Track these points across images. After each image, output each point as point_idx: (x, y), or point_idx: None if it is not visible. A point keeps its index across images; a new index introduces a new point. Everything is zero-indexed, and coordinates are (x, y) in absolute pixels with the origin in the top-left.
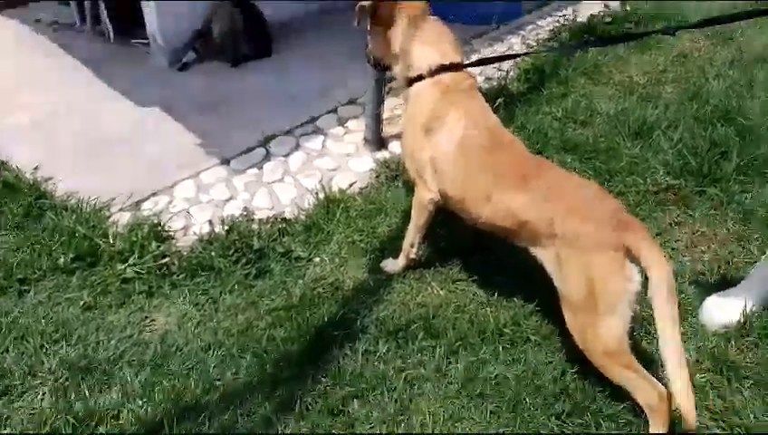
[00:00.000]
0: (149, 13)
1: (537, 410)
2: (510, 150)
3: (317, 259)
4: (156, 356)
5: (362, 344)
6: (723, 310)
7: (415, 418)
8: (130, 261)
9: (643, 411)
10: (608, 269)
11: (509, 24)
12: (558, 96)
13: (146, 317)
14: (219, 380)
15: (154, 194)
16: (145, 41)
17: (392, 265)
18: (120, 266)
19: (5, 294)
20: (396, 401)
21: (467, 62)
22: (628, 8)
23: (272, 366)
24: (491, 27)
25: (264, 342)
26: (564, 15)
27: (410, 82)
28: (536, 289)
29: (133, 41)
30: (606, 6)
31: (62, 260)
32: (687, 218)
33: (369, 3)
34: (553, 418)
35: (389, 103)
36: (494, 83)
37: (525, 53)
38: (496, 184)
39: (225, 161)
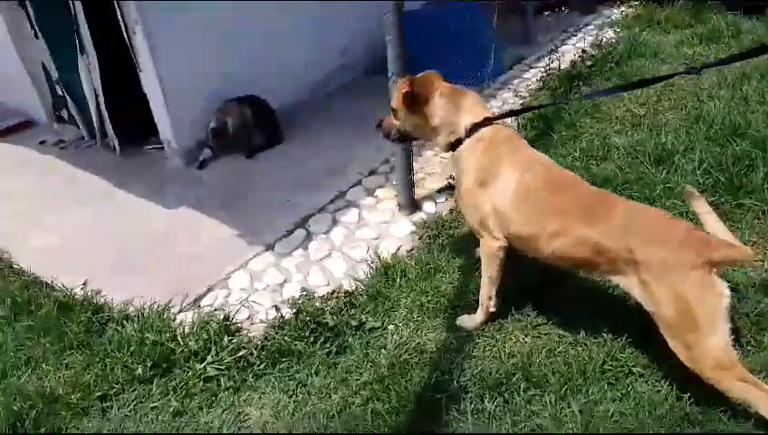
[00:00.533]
0: (163, 120)
1: None
2: (575, 188)
3: (391, 327)
4: None
5: (468, 404)
6: None
7: None
8: (208, 359)
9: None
10: (700, 287)
11: (496, 81)
12: (569, 138)
13: (239, 413)
14: None
15: (210, 289)
16: (158, 146)
17: (469, 320)
18: (199, 366)
19: (88, 415)
20: None
21: (497, 114)
22: (603, 50)
23: None
24: (483, 86)
25: (368, 418)
26: (547, 65)
27: (453, 146)
28: (617, 320)
29: (146, 147)
30: (583, 51)
31: (139, 370)
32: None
33: (407, 87)
34: None
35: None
36: None
37: (551, 104)
38: (567, 219)
39: (270, 247)
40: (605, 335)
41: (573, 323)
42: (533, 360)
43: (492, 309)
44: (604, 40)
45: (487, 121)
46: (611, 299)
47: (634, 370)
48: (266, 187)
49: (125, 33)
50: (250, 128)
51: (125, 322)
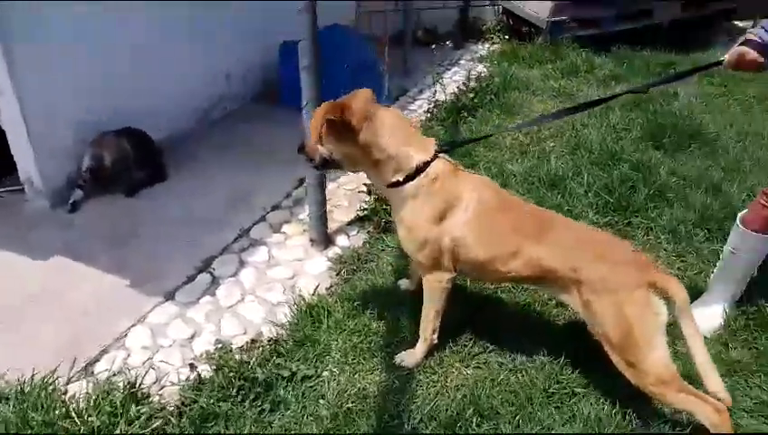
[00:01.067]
0: (23, 157)
1: None
2: (521, 208)
3: (326, 373)
4: None
5: None
6: (705, 319)
7: None
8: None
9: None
10: (641, 306)
11: None
12: (467, 166)
13: None
14: None
15: (104, 352)
16: (16, 187)
17: (410, 357)
18: None
19: None
20: None
21: (440, 147)
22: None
23: None
24: None
25: None
26: (430, 97)
27: (396, 184)
28: (547, 339)
29: (0, 190)
30: (464, 84)
31: None
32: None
33: (334, 114)
34: None
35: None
36: None
37: (518, 127)
38: (521, 239)
39: (170, 295)
40: (542, 358)
41: (508, 348)
42: (480, 392)
43: (435, 342)
44: (479, 74)
45: (436, 155)
46: (536, 320)
47: (576, 390)
48: (154, 227)
49: None
50: (130, 162)
51: (2, 402)
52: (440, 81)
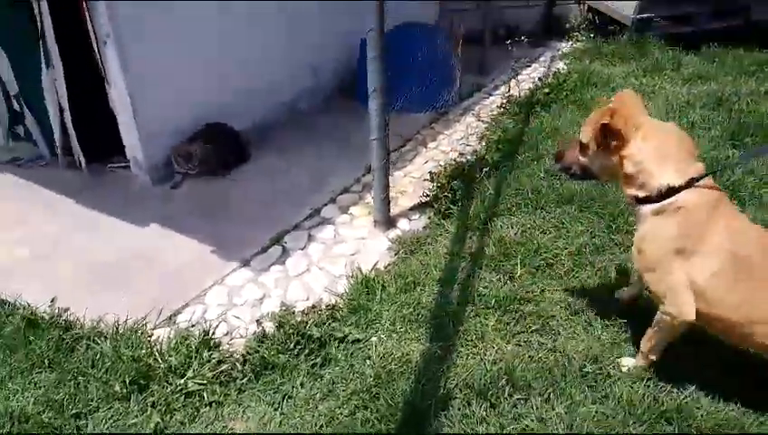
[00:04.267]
0: (131, 137)
1: None
2: None
3: (374, 339)
4: None
5: (456, 410)
6: None
7: None
8: (188, 374)
9: None
10: None
11: (459, 106)
12: (533, 159)
13: (223, 428)
14: None
15: (186, 305)
16: (124, 164)
17: (630, 363)
18: (180, 381)
19: (62, 434)
20: None
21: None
22: (558, 79)
23: None
24: (443, 111)
25: (357, 426)
26: (506, 92)
27: (639, 201)
28: (591, 328)
29: (110, 166)
30: (540, 80)
31: (116, 387)
32: None
33: (606, 118)
34: None
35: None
36: (469, 157)
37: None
38: None
39: (246, 263)
40: (582, 341)
41: (549, 330)
42: (516, 366)
43: (653, 358)
44: (558, 70)
45: (691, 183)
46: (582, 307)
47: (611, 372)
48: (239, 204)
49: (95, 45)
50: (212, 154)
51: (97, 339)
52: (516, 76)
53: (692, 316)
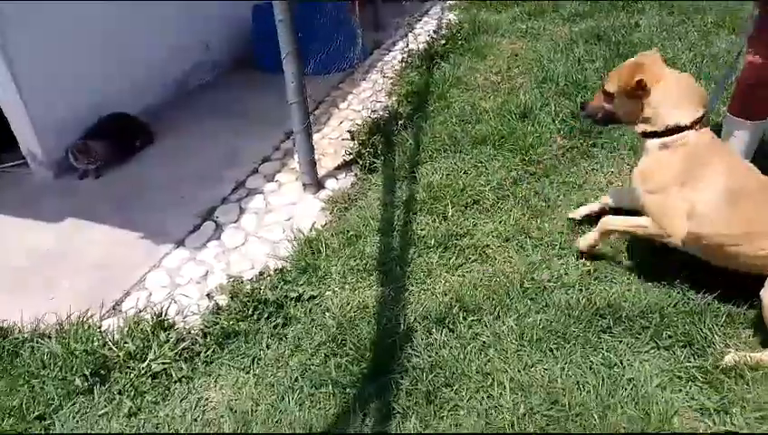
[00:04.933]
0: (22, 130)
1: (588, 333)
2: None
3: (328, 293)
4: (240, 426)
5: (420, 340)
6: None
7: (497, 377)
8: (150, 356)
9: None
10: None
11: (363, 64)
12: (443, 108)
13: (198, 399)
14: (314, 417)
15: (127, 293)
16: (19, 162)
17: (583, 240)
18: (142, 365)
19: None
20: (477, 371)
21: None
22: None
23: (352, 387)
24: (353, 69)
25: (332, 371)
26: (403, 47)
27: (648, 135)
28: (522, 249)
29: (2, 166)
30: (435, 32)
31: (77, 381)
32: (597, 166)
33: (640, 75)
34: (601, 332)
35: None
36: (381, 113)
37: None
38: None
39: (180, 243)
40: (516, 263)
41: (489, 259)
42: (465, 293)
43: (607, 237)
44: (450, 21)
45: (695, 125)
46: (512, 234)
47: (547, 285)
48: (154, 188)
49: None
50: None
51: (41, 340)
52: (412, 31)
53: (681, 238)
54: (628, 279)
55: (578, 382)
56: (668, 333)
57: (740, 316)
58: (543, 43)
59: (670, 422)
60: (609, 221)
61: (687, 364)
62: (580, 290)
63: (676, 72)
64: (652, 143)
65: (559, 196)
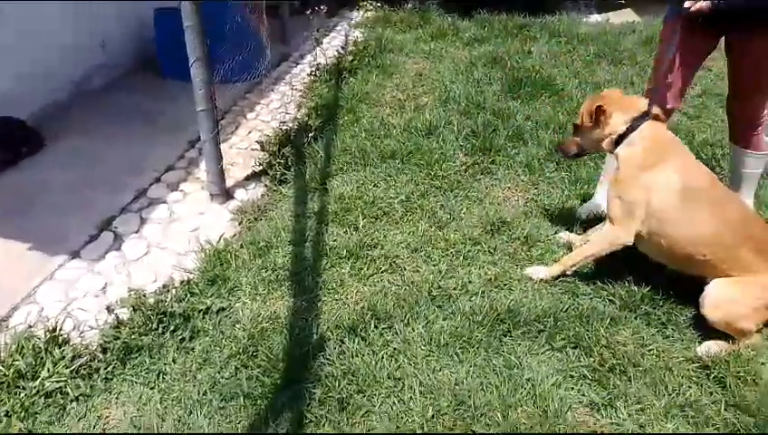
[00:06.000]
0: None
1: (491, 337)
2: (732, 198)
3: (238, 305)
4: None
5: (333, 349)
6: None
7: (407, 382)
8: (43, 374)
9: None
10: None
11: (270, 76)
12: (351, 122)
13: (98, 417)
14: (224, 429)
15: (15, 308)
16: None
17: (544, 272)
18: (33, 384)
19: None
20: (388, 376)
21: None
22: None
23: (264, 398)
24: (257, 81)
25: (243, 383)
26: (311, 61)
27: (616, 144)
28: (430, 257)
29: None
30: (342, 48)
31: None
32: (495, 182)
33: (601, 107)
34: (503, 336)
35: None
36: (291, 124)
37: None
38: (731, 235)
39: (75, 254)
40: (424, 272)
41: (399, 268)
42: (376, 302)
43: (569, 272)
44: (356, 38)
45: (645, 116)
46: (419, 244)
47: (453, 292)
48: (47, 196)
49: None
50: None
51: None
52: (320, 45)
53: (630, 239)
54: (524, 287)
55: (482, 384)
56: (561, 335)
57: (622, 319)
58: (446, 64)
59: (564, 417)
60: (569, 261)
61: (578, 364)
62: (483, 297)
63: (628, 97)
64: (619, 149)
65: (462, 208)
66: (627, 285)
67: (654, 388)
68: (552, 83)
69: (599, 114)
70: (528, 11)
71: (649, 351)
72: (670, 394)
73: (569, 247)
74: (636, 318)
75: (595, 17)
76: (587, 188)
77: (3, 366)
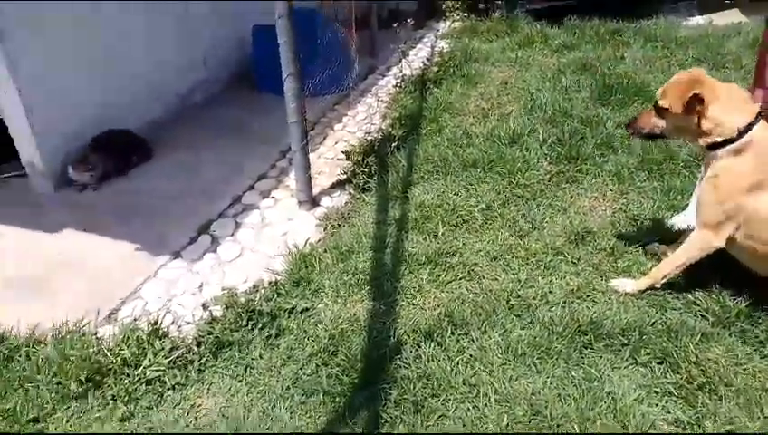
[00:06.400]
0: (24, 141)
1: (570, 349)
2: None
3: (321, 306)
4: (231, 431)
5: (409, 352)
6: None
7: (482, 389)
8: (144, 363)
9: None
10: None
11: (357, 88)
12: (435, 131)
13: (191, 406)
14: (304, 423)
15: (123, 303)
16: (18, 173)
17: (630, 285)
18: (137, 372)
19: None
20: (463, 383)
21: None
22: (444, 58)
23: (343, 396)
24: (345, 94)
25: (323, 380)
26: (397, 73)
27: (716, 145)
28: (509, 269)
29: (2, 176)
30: (427, 60)
31: (72, 386)
32: (581, 191)
33: (697, 90)
34: (583, 348)
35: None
36: (376, 135)
37: None
38: None
39: (177, 255)
40: (503, 281)
41: (477, 276)
42: (453, 308)
43: (658, 285)
44: (442, 49)
45: (754, 122)
46: (498, 254)
47: (532, 302)
48: (153, 202)
49: None
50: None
51: (36, 346)
52: (406, 57)
53: (722, 243)
54: (608, 298)
55: (559, 395)
56: (646, 350)
57: (714, 335)
58: (532, 72)
59: (646, 434)
60: (659, 273)
61: (664, 380)
62: (564, 308)
63: (724, 83)
64: (721, 152)
65: (545, 218)
66: (721, 299)
67: (748, 409)
68: (646, 89)
69: (693, 102)
70: (622, 15)
71: (744, 370)
72: (766, 416)
73: (659, 260)
74: (730, 335)
75: (696, 19)
76: (681, 199)
77: (111, 354)
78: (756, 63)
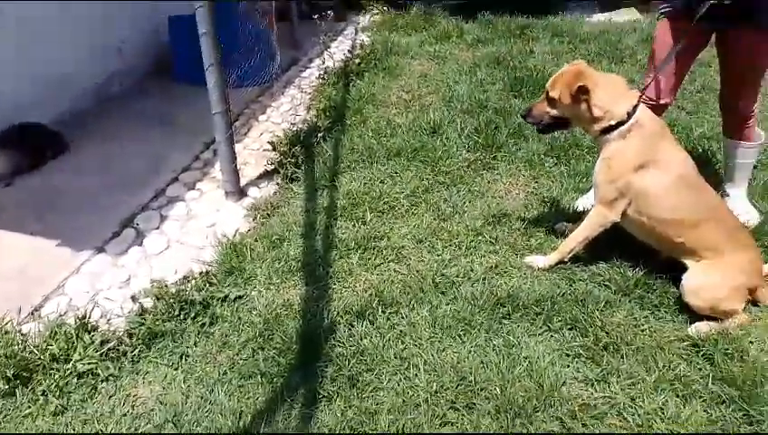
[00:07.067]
0: None
1: (491, 320)
2: (705, 187)
3: (254, 293)
4: (170, 417)
5: (343, 332)
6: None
7: (413, 361)
8: (75, 357)
9: None
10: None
11: (280, 80)
12: (359, 122)
13: (127, 396)
14: (243, 405)
15: (46, 299)
16: None
17: (543, 261)
18: (67, 366)
19: None
20: (395, 356)
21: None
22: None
23: (280, 377)
24: (270, 84)
25: (260, 363)
26: (319, 64)
27: (606, 130)
28: (434, 246)
29: None
30: (349, 52)
31: None
32: (497, 177)
33: (581, 81)
34: (502, 319)
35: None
36: (301, 126)
37: None
38: (705, 217)
39: (100, 249)
40: (428, 262)
41: (404, 259)
42: (383, 289)
43: (566, 259)
44: (363, 42)
45: (638, 103)
46: (423, 235)
47: (455, 280)
48: (72, 196)
49: None
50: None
51: None
52: (328, 49)
53: (617, 218)
54: (523, 273)
55: (482, 362)
56: (558, 318)
57: (616, 302)
58: (450, 65)
59: (560, 391)
60: (565, 248)
61: (574, 343)
62: (484, 283)
63: (605, 74)
64: (612, 136)
65: (465, 202)
66: (621, 271)
67: (645, 364)
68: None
69: (578, 93)
70: (531, 12)
71: (642, 331)
72: (661, 370)
73: (566, 237)
74: (630, 301)
75: (598, 16)
76: (585, 182)
77: (38, 350)
78: (649, 57)
